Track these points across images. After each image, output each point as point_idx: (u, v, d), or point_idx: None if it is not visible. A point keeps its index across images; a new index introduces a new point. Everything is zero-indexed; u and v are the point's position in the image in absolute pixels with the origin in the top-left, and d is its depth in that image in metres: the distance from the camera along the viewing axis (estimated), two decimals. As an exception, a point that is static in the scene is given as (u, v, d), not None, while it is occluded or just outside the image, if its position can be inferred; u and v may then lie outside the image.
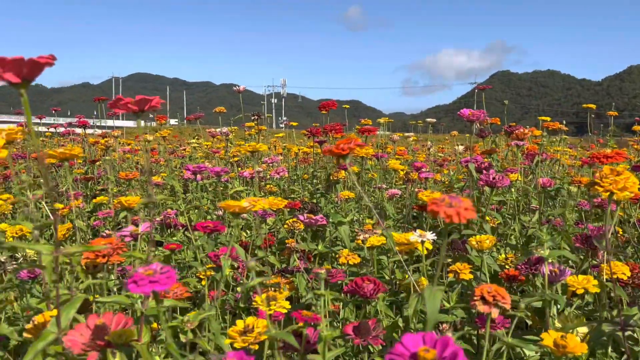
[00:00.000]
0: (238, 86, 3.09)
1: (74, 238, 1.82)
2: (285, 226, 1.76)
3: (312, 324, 0.80)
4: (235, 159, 2.73)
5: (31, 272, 1.33)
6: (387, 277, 1.52)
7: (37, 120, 4.51)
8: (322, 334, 0.70)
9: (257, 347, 0.80)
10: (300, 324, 0.85)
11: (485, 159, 1.89)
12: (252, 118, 2.88)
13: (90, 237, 2.13)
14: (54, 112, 5.84)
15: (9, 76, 0.57)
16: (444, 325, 0.97)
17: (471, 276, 1.17)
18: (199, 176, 1.82)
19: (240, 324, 0.84)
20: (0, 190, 2.50)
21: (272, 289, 1.20)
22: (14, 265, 1.37)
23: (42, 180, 1.99)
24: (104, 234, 1.70)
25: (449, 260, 1.40)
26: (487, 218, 1.64)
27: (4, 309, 1.32)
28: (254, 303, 0.90)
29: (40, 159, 0.66)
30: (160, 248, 1.68)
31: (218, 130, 2.95)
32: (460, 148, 2.74)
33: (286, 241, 1.62)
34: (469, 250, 1.41)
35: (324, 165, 2.62)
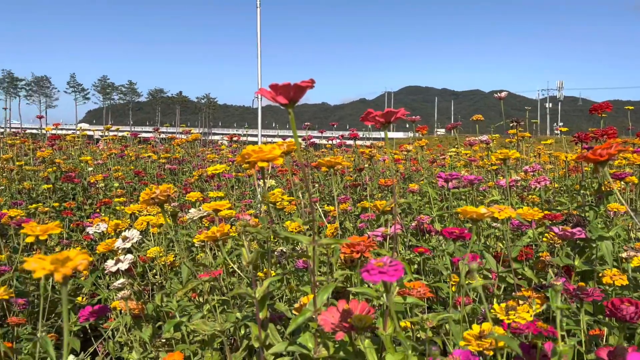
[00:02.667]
0: (500, 92, 3.01)
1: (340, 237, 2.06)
2: (545, 239, 1.66)
3: (550, 337, 0.76)
4: (494, 167, 2.66)
5: (305, 262, 1.57)
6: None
7: (319, 134, 5.16)
8: (557, 349, 0.67)
9: (491, 353, 0.81)
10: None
11: None
12: (511, 125, 2.77)
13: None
14: (333, 126, 6.62)
15: (280, 99, 0.71)
16: None
17: None
18: (451, 184, 1.86)
19: (476, 328, 0.85)
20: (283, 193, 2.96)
21: (521, 301, 1.15)
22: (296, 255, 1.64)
23: (317, 185, 2.31)
24: (368, 235, 1.88)
25: None
26: None
27: (284, 292, 1.59)
28: (492, 311, 0.90)
29: (302, 168, 0.80)
30: (411, 251, 1.77)
31: (477, 138, 2.93)
32: None
33: (540, 255, 1.53)
34: None
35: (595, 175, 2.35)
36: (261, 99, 4.65)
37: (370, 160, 2.73)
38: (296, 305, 1.04)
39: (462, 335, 0.87)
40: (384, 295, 1.05)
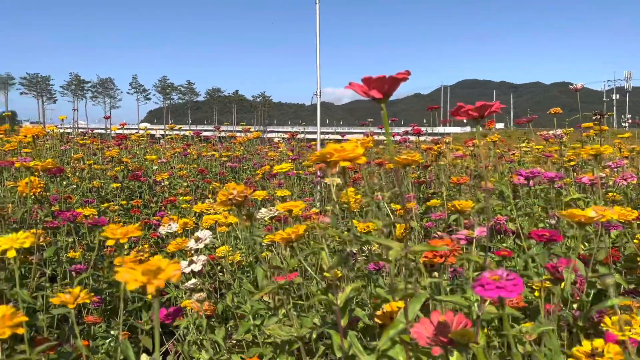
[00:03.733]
0: (575, 84, 2.83)
1: (408, 237, 1.98)
2: (636, 241, 1.53)
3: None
4: (572, 163, 2.50)
5: (376, 264, 1.50)
6: None
7: (378, 130, 5.07)
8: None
9: (609, 375, 0.72)
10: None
11: None
12: (593, 117, 2.59)
13: (422, 237, 2.28)
14: (390, 122, 6.51)
15: (373, 93, 0.65)
16: None
17: None
18: (531, 182, 1.74)
19: (587, 345, 0.76)
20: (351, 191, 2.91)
21: (623, 311, 1.05)
22: (364, 257, 1.58)
23: (383, 184, 2.24)
24: (436, 235, 1.79)
25: None
26: None
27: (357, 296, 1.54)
28: (602, 325, 0.80)
29: (396, 171, 0.73)
30: (489, 254, 1.68)
31: (551, 132, 2.76)
32: None
33: (638, 258, 1.40)
34: None
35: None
36: (320, 96, 4.61)
37: (438, 157, 2.63)
38: (378, 312, 0.98)
39: (571, 352, 0.78)
40: (475, 305, 0.97)
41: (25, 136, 1.72)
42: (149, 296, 1.92)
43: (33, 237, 0.77)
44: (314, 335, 1.25)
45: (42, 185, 1.68)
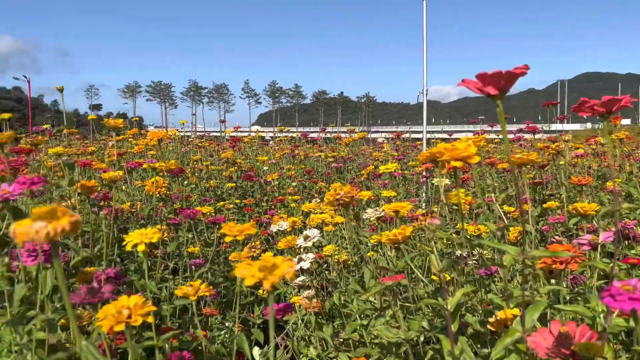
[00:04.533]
0: None
1: (522, 241, 1.87)
2: None
3: None
4: None
5: (488, 269, 1.44)
6: None
7: (489, 128, 4.86)
8: None
9: None
10: None
11: None
12: None
13: (538, 241, 2.14)
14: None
15: (489, 89, 0.63)
16: None
17: None
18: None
19: None
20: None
21: None
22: (474, 261, 1.52)
23: (495, 185, 2.13)
24: (553, 240, 1.67)
25: None
26: None
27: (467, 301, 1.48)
28: None
29: (512, 165, 0.70)
30: (616, 261, 1.53)
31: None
32: None
33: None
34: None
35: None
36: (427, 94, 4.52)
37: (556, 156, 2.46)
38: (491, 319, 0.94)
39: None
40: (601, 315, 0.89)
41: (151, 139, 1.87)
42: (261, 291, 1.99)
43: (160, 232, 0.84)
44: (422, 339, 1.23)
45: (165, 184, 1.83)
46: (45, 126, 3.78)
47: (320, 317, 1.54)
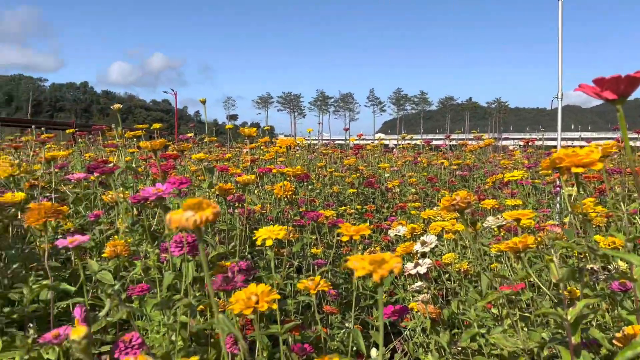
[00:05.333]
0: None
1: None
2: None
3: None
4: None
5: (622, 284, 1.34)
6: None
7: (634, 135, 4.44)
8: None
9: None
10: None
11: None
12: None
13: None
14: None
15: (607, 94, 0.62)
16: None
17: None
18: None
19: None
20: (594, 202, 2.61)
21: None
22: (606, 275, 1.42)
23: (636, 195, 1.96)
24: None
25: None
26: None
27: (596, 316, 1.39)
28: None
29: (635, 174, 0.67)
30: None
31: None
32: None
33: None
34: None
35: None
36: (562, 99, 4.25)
37: None
38: (618, 334, 0.89)
39: None
40: None
41: (280, 147, 2.01)
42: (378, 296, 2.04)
43: (285, 230, 0.92)
44: (545, 352, 1.18)
45: (292, 189, 1.95)
46: (189, 135, 4.18)
47: (438, 325, 1.54)
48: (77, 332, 0.43)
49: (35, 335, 1.25)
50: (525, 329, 1.19)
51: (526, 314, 1.21)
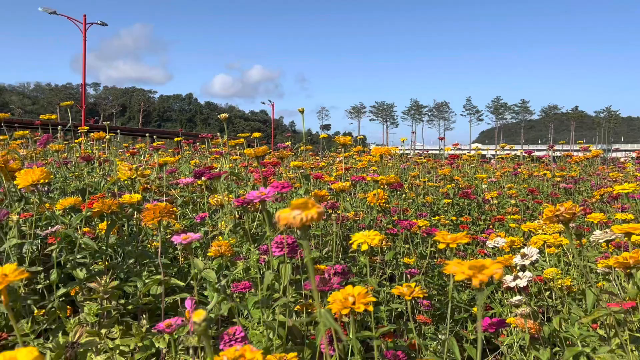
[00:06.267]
0: None
1: None
2: None
3: None
4: None
5: None
6: None
7: None
8: None
9: None
10: None
11: None
12: None
13: None
14: None
15: None
16: None
17: None
18: None
19: None
20: None
21: None
22: None
23: None
24: None
25: None
26: None
27: None
28: None
29: None
30: None
31: None
32: None
33: None
34: None
35: None
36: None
37: None
38: None
39: None
40: None
41: (374, 155, 2.03)
42: (475, 309, 1.98)
43: (380, 235, 0.94)
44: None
45: (385, 197, 1.96)
46: (286, 143, 4.34)
47: (537, 342, 1.47)
48: (198, 314, 0.48)
49: (148, 325, 1.37)
50: (637, 352, 1.11)
51: (637, 335, 1.12)
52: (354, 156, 4.72)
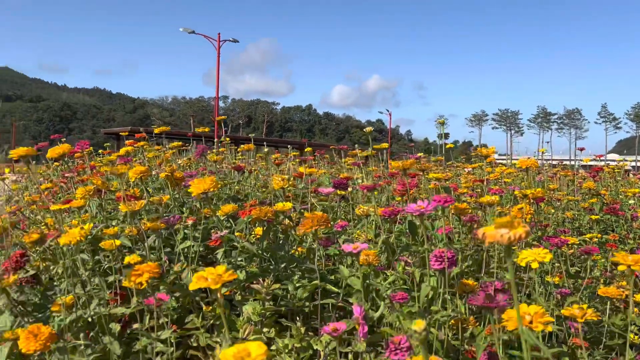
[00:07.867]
0: None
1: None
2: None
3: None
4: None
5: None
6: None
7: None
8: None
9: None
10: None
11: None
12: None
13: None
14: None
15: None
16: None
17: None
18: None
19: None
20: None
21: None
22: None
23: None
24: None
25: None
26: None
27: None
28: None
29: None
30: None
31: None
32: None
33: None
34: None
35: None
36: None
37: None
38: None
39: None
40: None
41: (520, 167, 1.96)
42: (632, 336, 1.81)
43: (550, 254, 0.92)
44: None
45: (531, 212, 1.88)
46: (419, 154, 4.32)
47: None
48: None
49: (303, 328, 1.44)
50: None
51: None
52: (482, 167, 4.56)
